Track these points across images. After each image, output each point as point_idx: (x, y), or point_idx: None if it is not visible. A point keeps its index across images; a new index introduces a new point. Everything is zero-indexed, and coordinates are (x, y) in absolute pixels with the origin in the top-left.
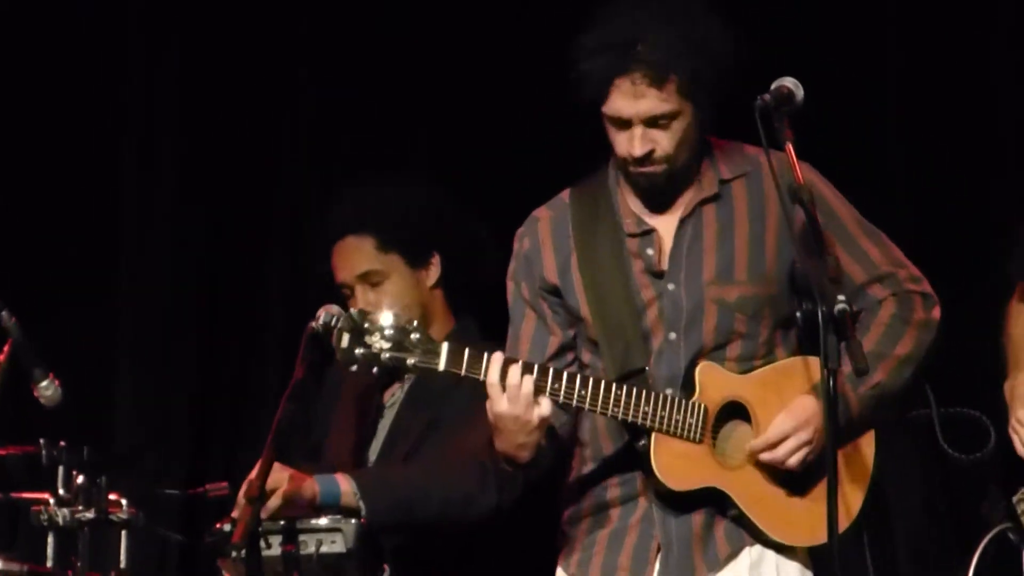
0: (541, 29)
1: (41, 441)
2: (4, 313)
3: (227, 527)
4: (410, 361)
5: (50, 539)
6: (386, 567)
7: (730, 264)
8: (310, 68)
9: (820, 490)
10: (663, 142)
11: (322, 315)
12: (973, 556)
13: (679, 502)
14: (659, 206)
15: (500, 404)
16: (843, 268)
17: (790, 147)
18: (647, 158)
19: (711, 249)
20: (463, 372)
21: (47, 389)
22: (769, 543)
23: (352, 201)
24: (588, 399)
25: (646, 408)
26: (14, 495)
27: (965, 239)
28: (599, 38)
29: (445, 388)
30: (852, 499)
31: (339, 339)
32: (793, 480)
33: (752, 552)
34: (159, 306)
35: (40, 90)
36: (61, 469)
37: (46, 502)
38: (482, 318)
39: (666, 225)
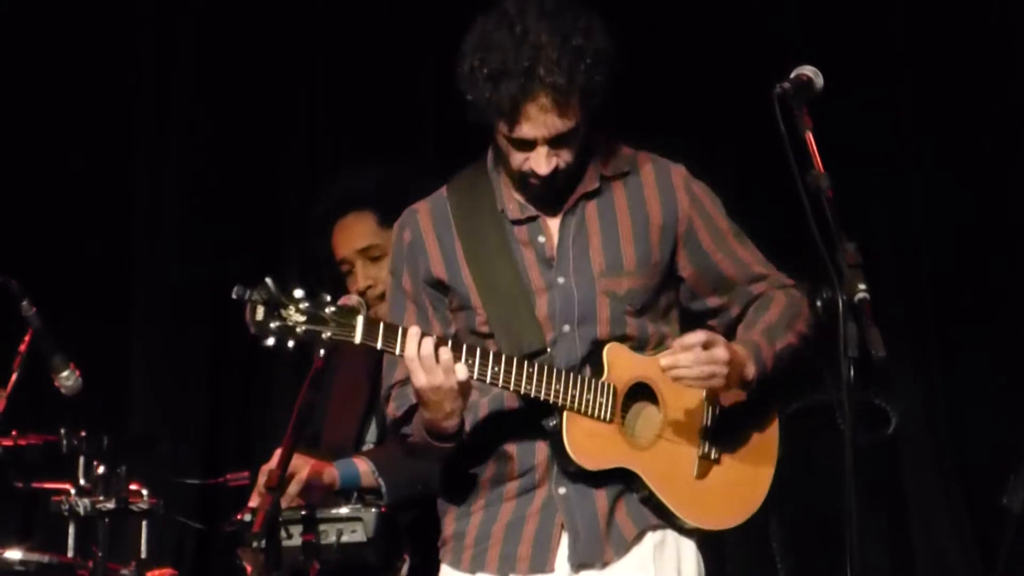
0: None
1: (61, 431)
2: (25, 303)
3: (247, 516)
4: (325, 334)
5: (71, 528)
6: (406, 556)
7: (618, 256)
8: (324, 60)
9: (730, 474)
10: (565, 155)
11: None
12: (1005, 546)
13: (585, 484)
14: (542, 198)
15: (419, 377)
16: (719, 267)
17: (810, 136)
18: (551, 174)
19: (597, 242)
20: (379, 346)
21: (67, 379)
22: (673, 525)
23: (352, 179)
24: (501, 375)
25: (557, 386)
26: (35, 484)
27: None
28: (496, 64)
29: None
30: (758, 487)
31: (253, 312)
32: (703, 463)
33: (656, 535)
34: (174, 297)
35: (56, 77)
36: (81, 459)
37: (67, 491)
38: None
39: (549, 215)
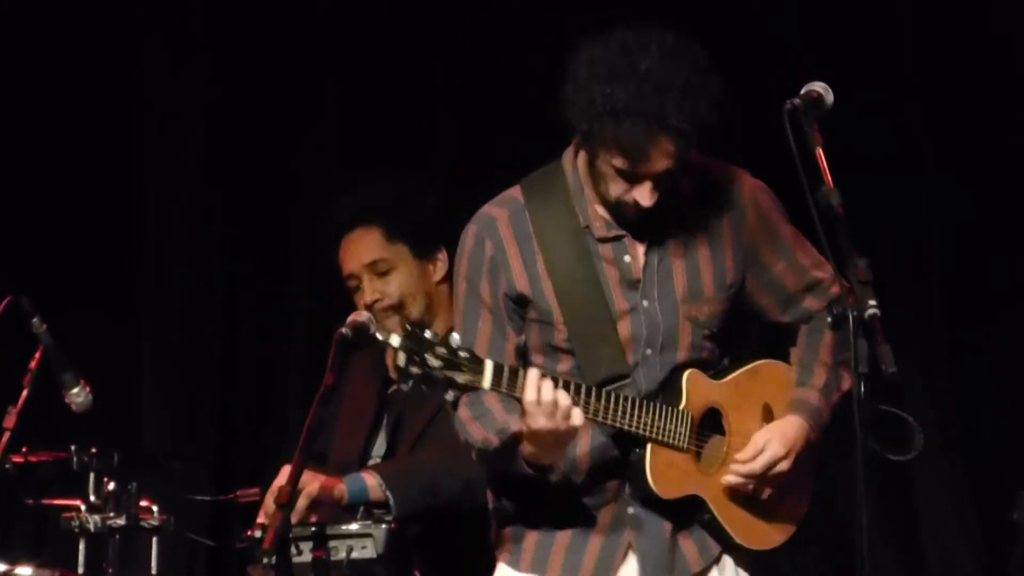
0: (561, 31)
1: (72, 447)
2: (35, 320)
3: (258, 533)
4: (460, 379)
5: (81, 545)
6: (416, 573)
7: (698, 281)
8: (335, 70)
9: (779, 495)
10: (663, 188)
11: (352, 321)
12: (1015, 563)
13: (655, 508)
14: (630, 219)
15: (538, 420)
16: (780, 279)
17: (820, 152)
18: (647, 209)
19: (680, 265)
20: (503, 390)
21: (78, 395)
22: (731, 547)
23: (359, 194)
24: (601, 411)
25: (646, 418)
26: (45, 501)
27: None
28: (621, 102)
29: None
30: (801, 501)
31: (396, 358)
32: (758, 487)
33: (722, 567)
34: (184, 313)
35: (63, 90)
36: (92, 475)
37: (77, 508)
38: None
39: (634, 235)
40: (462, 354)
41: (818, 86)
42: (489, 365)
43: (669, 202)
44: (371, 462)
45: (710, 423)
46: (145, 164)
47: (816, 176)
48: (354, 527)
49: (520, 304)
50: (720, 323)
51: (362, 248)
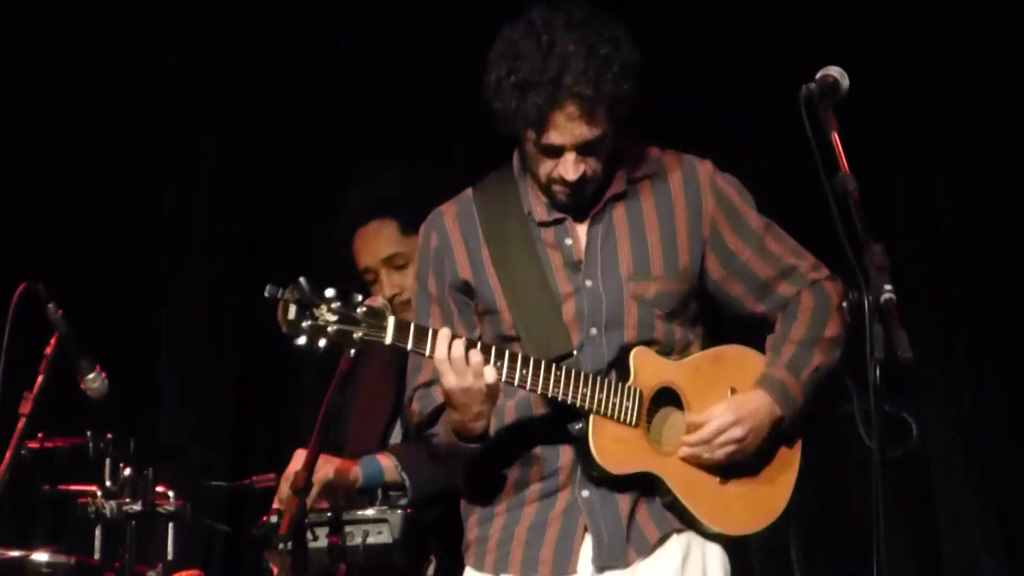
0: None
1: (88, 433)
2: (51, 306)
3: (274, 519)
4: (356, 335)
5: (97, 531)
6: (432, 558)
7: (645, 260)
8: (351, 66)
9: (752, 479)
10: (592, 163)
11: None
12: None
13: (607, 488)
14: (569, 204)
15: (449, 379)
16: (749, 266)
17: (836, 137)
18: (578, 180)
19: (625, 245)
20: (409, 347)
21: (94, 381)
22: (696, 530)
23: (371, 187)
24: (529, 378)
25: (584, 389)
26: (62, 487)
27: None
28: (524, 75)
29: None
30: (780, 492)
31: (285, 311)
32: (725, 468)
33: (681, 539)
34: (201, 300)
35: (86, 86)
36: (108, 461)
37: (93, 494)
38: None
39: (576, 218)
40: (360, 309)
41: (834, 71)
42: (391, 320)
43: (612, 182)
44: None
45: (664, 403)
46: (164, 154)
47: (832, 162)
48: (370, 512)
49: (466, 294)
50: (675, 305)
51: (378, 242)
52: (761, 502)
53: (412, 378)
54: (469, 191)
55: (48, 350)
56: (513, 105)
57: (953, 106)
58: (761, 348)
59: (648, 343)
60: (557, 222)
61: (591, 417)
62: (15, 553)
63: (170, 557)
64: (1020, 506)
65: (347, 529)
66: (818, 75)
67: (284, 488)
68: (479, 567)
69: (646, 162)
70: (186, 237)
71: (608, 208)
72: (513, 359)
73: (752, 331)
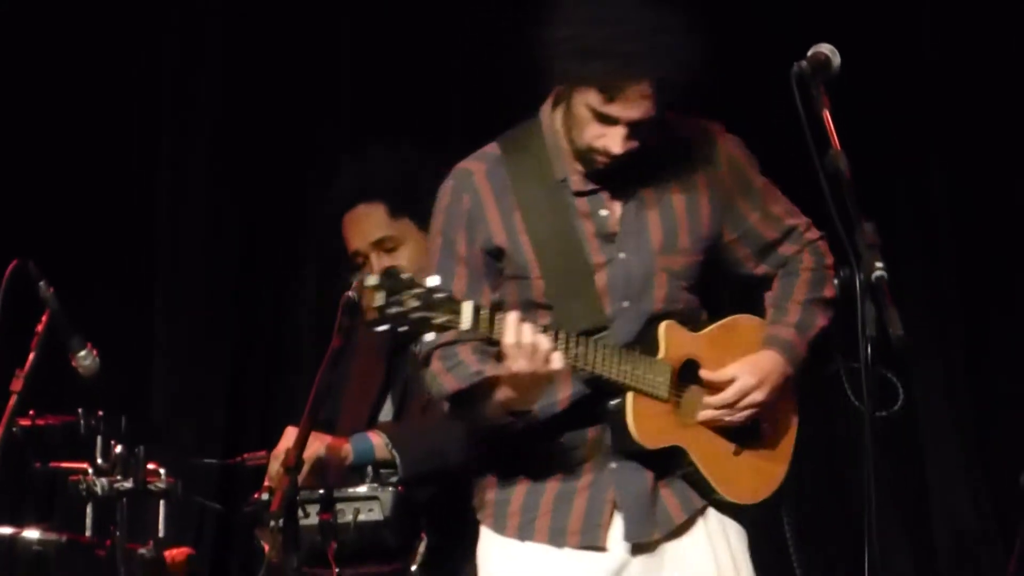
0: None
1: (79, 411)
2: (42, 284)
3: (265, 496)
4: (438, 320)
5: (88, 509)
6: (423, 535)
7: (674, 233)
8: (350, 47)
9: (760, 446)
10: (637, 141)
11: (359, 285)
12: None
13: (635, 461)
14: (602, 172)
15: (518, 362)
16: (756, 229)
17: (827, 114)
18: (615, 156)
19: (655, 218)
20: (482, 332)
21: (85, 359)
22: (715, 501)
23: (358, 170)
24: (584, 358)
25: (625, 367)
26: (53, 465)
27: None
28: (610, 41)
29: None
30: (782, 460)
31: (372, 298)
32: (738, 434)
33: (704, 519)
34: (193, 277)
35: (81, 60)
36: (99, 439)
37: (84, 472)
38: None
39: (610, 189)
40: (439, 295)
41: (825, 48)
42: (468, 306)
43: (644, 157)
44: None
45: (688, 375)
46: (160, 133)
47: (823, 139)
48: (361, 490)
49: (496, 258)
50: (696, 275)
51: (367, 226)
52: (767, 470)
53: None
54: (495, 148)
55: (39, 328)
56: (588, 68)
57: (947, 83)
58: (750, 308)
59: (673, 315)
60: (592, 192)
61: (629, 394)
62: (6, 530)
63: (161, 534)
64: (1013, 479)
65: (338, 507)
66: (809, 52)
67: (275, 466)
68: (499, 530)
69: (670, 131)
70: (179, 215)
71: (639, 180)
72: (569, 339)
73: (740, 292)
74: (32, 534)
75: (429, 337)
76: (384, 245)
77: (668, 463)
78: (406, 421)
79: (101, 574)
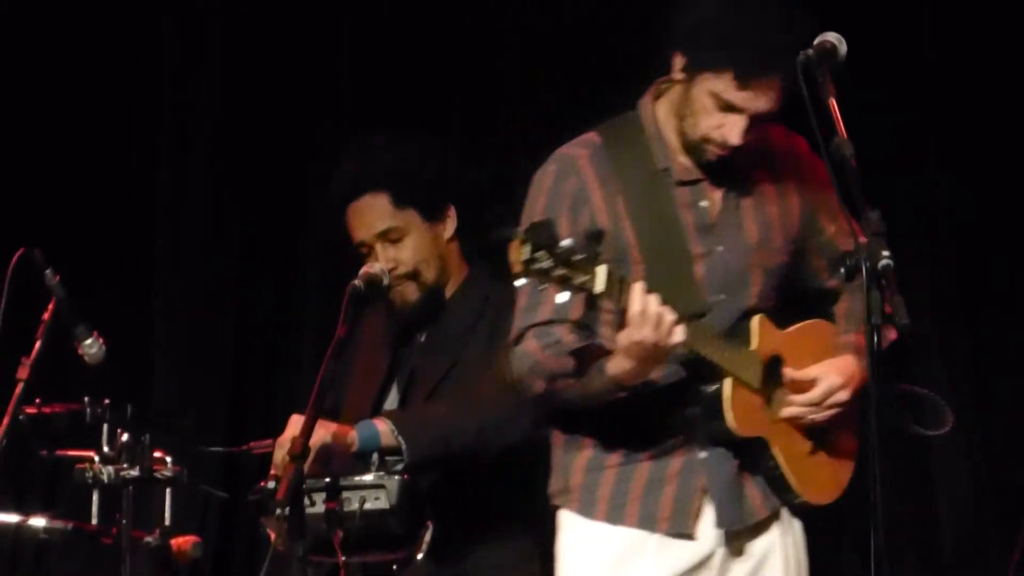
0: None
1: (85, 399)
2: (48, 272)
3: (271, 485)
4: (576, 280)
5: (94, 496)
6: (429, 524)
7: (768, 231)
8: (350, 38)
9: (832, 449)
10: (751, 134)
11: (365, 273)
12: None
13: (724, 451)
14: (706, 165)
15: (643, 331)
16: (835, 242)
17: (833, 102)
18: (733, 147)
19: (751, 214)
20: (613, 296)
21: (91, 347)
22: (786, 500)
23: (361, 160)
24: (692, 336)
25: (727, 353)
26: (59, 453)
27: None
28: (752, 31)
29: (462, 334)
30: (847, 464)
31: (518, 252)
32: (817, 435)
33: (780, 517)
34: (197, 265)
35: (81, 50)
36: (105, 427)
37: (91, 460)
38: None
39: (711, 181)
40: (578, 256)
41: (831, 36)
42: (602, 269)
43: (742, 154)
44: None
45: (772, 371)
46: (162, 122)
47: (829, 127)
48: (368, 478)
49: (598, 241)
50: (785, 276)
51: (371, 217)
52: (837, 473)
53: (525, 317)
54: (595, 136)
55: (45, 316)
56: (728, 55)
57: (949, 76)
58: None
59: (764, 311)
60: (694, 182)
61: (728, 379)
62: (12, 518)
63: (167, 522)
64: (1015, 466)
65: (344, 495)
66: (815, 41)
67: (280, 454)
68: (587, 514)
69: (764, 134)
70: (183, 202)
71: (739, 175)
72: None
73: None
74: (38, 522)
75: (561, 298)
76: (389, 236)
77: (753, 456)
78: (411, 408)
79: (107, 562)
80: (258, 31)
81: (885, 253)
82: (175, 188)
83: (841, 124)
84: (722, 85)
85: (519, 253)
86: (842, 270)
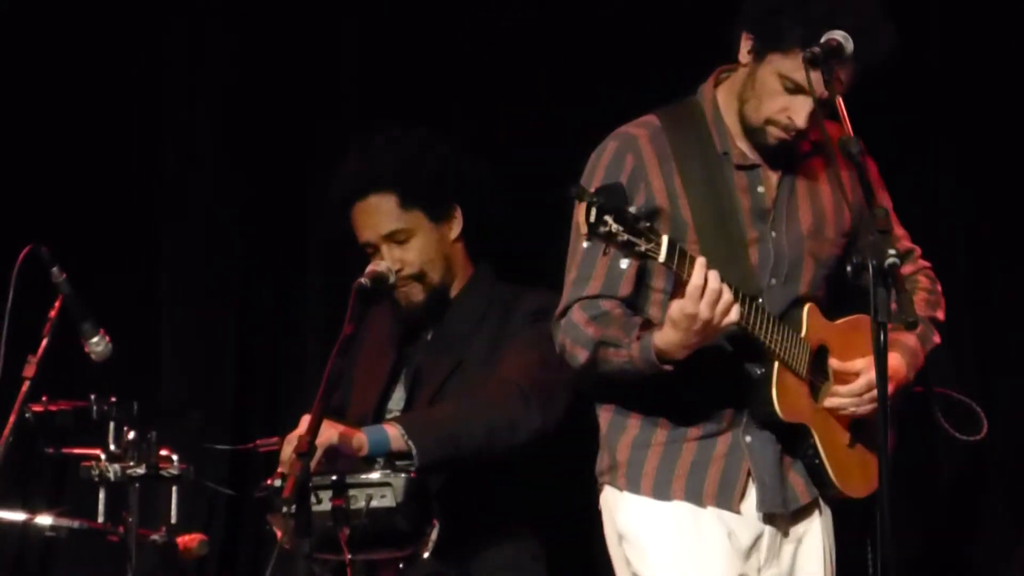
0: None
1: (91, 396)
2: (55, 270)
3: (277, 482)
4: (639, 247)
5: (101, 494)
6: (435, 522)
7: (822, 220)
8: (354, 29)
9: (868, 444)
10: (813, 120)
11: (371, 272)
12: None
13: (769, 436)
14: (766, 150)
15: (699, 305)
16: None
17: (840, 100)
18: (797, 130)
19: (806, 202)
20: (674, 267)
21: (97, 344)
22: (823, 491)
23: (369, 159)
24: (747, 316)
25: (778, 336)
26: (65, 450)
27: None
28: (837, 11)
29: (468, 334)
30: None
31: (588, 212)
32: (855, 428)
33: (820, 505)
34: (202, 262)
35: (84, 39)
36: (112, 424)
37: (97, 457)
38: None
39: (769, 167)
40: (643, 223)
41: (838, 34)
42: (666, 238)
43: (800, 144)
44: (389, 416)
45: (819, 361)
46: (164, 117)
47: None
48: (374, 476)
49: (654, 220)
50: (835, 267)
51: (378, 218)
52: (871, 468)
53: (574, 290)
54: (654, 118)
55: (52, 313)
56: (809, 31)
57: (954, 56)
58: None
59: (814, 300)
60: (752, 167)
61: (776, 363)
62: (19, 516)
63: (174, 520)
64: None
65: (350, 493)
66: (822, 39)
67: (287, 451)
68: (634, 489)
69: (823, 127)
70: (187, 200)
71: (795, 163)
72: (736, 295)
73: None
74: (45, 520)
75: (624, 264)
76: (395, 237)
77: (795, 442)
78: (419, 411)
79: (113, 560)
80: (260, 28)
81: (892, 251)
82: (179, 185)
83: (847, 121)
84: (791, 65)
85: (587, 214)
86: (848, 268)
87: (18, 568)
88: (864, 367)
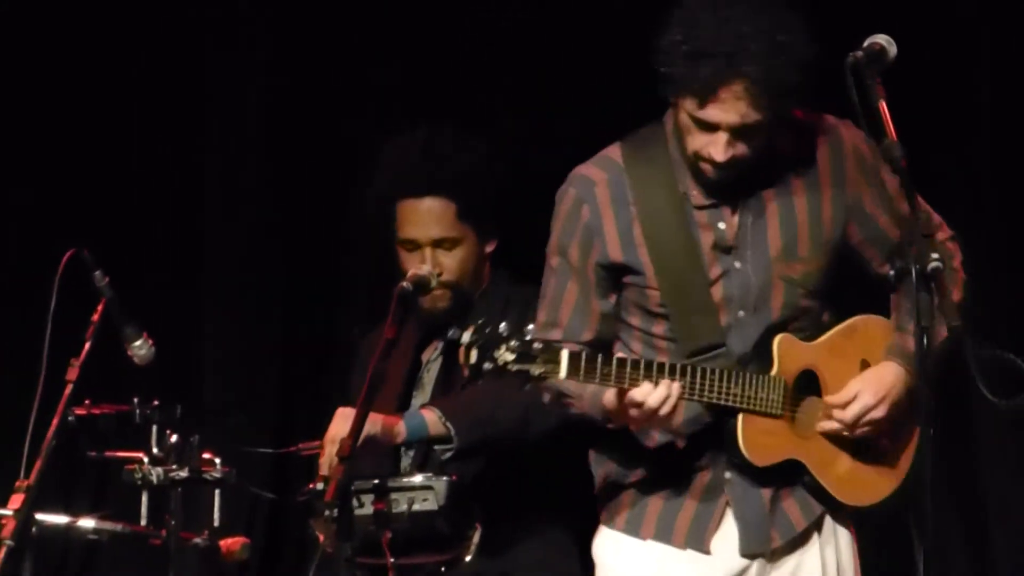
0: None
1: (134, 400)
2: (97, 274)
3: (319, 486)
4: (535, 372)
5: (143, 497)
6: (478, 525)
7: (793, 240)
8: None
9: (879, 448)
10: (743, 148)
11: (413, 275)
12: None
13: (752, 474)
14: (719, 182)
15: (627, 416)
16: (884, 231)
17: (883, 104)
18: (726, 162)
19: (775, 226)
20: (581, 379)
21: (140, 348)
22: (830, 507)
23: (436, 159)
24: (689, 387)
25: (735, 390)
26: (108, 454)
27: None
28: (699, 44)
29: None
30: (895, 467)
31: (467, 355)
32: (859, 442)
33: (822, 525)
34: (244, 265)
35: (125, 48)
36: (154, 428)
37: (140, 461)
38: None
39: (729, 200)
40: (536, 346)
41: (881, 39)
42: (565, 355)
43: (771, 161)
44: None
45: (806, 386)
46: (207, 119)
47: (879, 129)
48: (416, 480)
49: (612, 271)
50: (819, 281)
51: (434, 221)
52: (884, 472)
53: (542, 332)
54: (617, 154)
55: (94, 317)
56: (681, 71)
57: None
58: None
59: (792, 321)
60: (713, 206)
61: (740, 416)
62: (61, 519)
63: (216, 523)
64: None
65: (392, 496)
66: (865, 43)
67: (329, 450)
68: (610, 524)
69: (794, 133)
70: (230, 203)
71: (762, 187)
72: (674, 371)
73: (868, 289)
74: (87, 523)
75: (596, 305)
76: (444, 244)
77: (786, 474)
78: (454, 395)
79: (156, 563)
80: (306, 26)
81: (934, 255)
82: (223, 188)
83: (891, 126)
84: (688, 105)
85: (467, 357)
86: (891, 273)
87: (61, 571)
88: (855, 393)
